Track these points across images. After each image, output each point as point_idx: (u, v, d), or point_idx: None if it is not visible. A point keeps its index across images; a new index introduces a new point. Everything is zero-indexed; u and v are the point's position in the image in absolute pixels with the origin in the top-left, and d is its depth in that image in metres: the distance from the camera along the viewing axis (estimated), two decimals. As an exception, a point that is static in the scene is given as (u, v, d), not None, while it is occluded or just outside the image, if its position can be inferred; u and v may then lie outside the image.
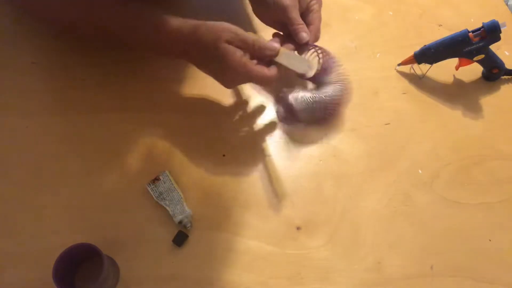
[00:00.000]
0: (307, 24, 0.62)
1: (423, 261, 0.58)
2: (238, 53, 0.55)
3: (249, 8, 0.66)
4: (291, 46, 0.60)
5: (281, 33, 0.64)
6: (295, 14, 0.61)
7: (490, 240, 0.60)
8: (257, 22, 0.66)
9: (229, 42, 0.55)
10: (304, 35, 0.60)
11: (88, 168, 0.61)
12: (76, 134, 0.63)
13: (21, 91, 0.66)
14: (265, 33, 0.64)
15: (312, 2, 0.63)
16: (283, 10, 0.60)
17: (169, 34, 0.57)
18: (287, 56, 0.59)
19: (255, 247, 0.57)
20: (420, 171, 0.65)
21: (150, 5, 0.58)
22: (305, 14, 0.63)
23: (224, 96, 0.68)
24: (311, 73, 0.59)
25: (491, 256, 0.59)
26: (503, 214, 0.62)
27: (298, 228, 0.59)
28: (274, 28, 0.65)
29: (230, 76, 0.58)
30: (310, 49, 0.61)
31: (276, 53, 0.58)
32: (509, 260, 0.59)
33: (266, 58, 0.58)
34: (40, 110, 0.65)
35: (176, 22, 0.57)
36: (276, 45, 0.58)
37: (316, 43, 0.62)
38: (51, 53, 0.70)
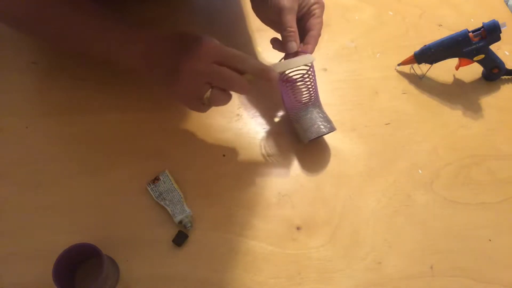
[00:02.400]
0: (306, 30, 0.58)
1: (423, 261, 0.58)
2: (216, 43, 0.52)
3: (247, 9, 0.66)
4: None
5: (280, 38, 0.59)
6: (289, 19, 0.56)
7: (490, 240, 0.60)
8: (256, 24, 0.66)
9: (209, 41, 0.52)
10: (294, 45, 0.56)
11: (88, 168, 0.60)
12: (76, 134, 0.63)
13: (21, 91, 0.66)
14: (266, 34, 0.63)
15: (314, 6, 0.59)
16: (278, 11, 0.56)
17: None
18: (282, 66, 0.55)
19: (255, 247, 0.57)
20: (420, 171, 0.65)
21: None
22: (305, 18, 0.59)
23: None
24: (312, 59, 0.56)
25: (491, 256, 0.59)
26: (503, 214, 0.62)
27: (298, 228, 0.59)
28: (272, 28, 0.63)
29: (190, 73, 0.51)
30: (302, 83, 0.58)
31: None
32: (509, 260, 0.59)
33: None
34: (40, 110, 0.65)
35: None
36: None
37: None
38: (51, 53, 0.70)
